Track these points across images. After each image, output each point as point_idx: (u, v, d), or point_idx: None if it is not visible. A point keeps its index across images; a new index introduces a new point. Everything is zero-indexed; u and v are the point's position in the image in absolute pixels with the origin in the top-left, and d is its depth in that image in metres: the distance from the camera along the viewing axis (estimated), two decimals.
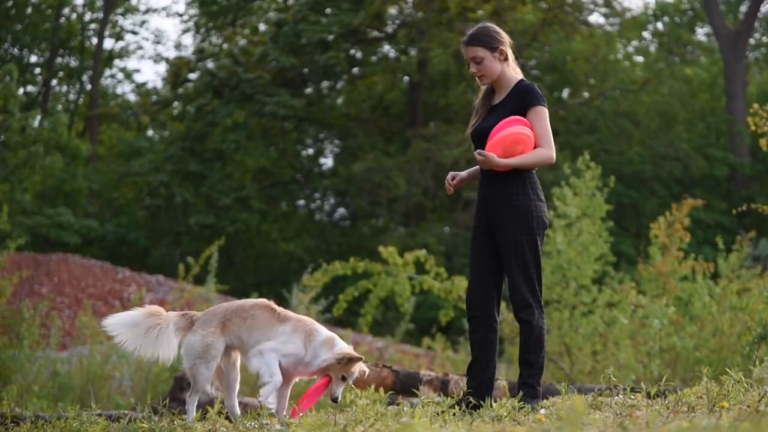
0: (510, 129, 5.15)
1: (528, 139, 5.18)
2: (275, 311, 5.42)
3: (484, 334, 5.33)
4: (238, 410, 5.43)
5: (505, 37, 5.45)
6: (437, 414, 4.80)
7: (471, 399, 5.17)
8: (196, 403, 5.36)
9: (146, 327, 5.47)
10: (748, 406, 4.49)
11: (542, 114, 5.23)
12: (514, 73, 5.41)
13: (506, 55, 5.39)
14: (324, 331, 5.43)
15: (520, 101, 5.26)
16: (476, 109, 5.49)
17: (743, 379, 5.05)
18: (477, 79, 5.45)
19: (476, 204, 5.44)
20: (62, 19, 30.21)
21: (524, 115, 5.24)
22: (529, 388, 5.22)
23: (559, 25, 26.61)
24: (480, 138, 5.32)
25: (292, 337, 5.33)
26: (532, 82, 5.40)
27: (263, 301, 5.49)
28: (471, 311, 5.34)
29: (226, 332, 5.32)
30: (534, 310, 5.27)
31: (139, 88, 33.31)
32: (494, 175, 5.27)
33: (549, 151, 5.23)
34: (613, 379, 5.17)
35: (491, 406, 4.96)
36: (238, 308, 5.42)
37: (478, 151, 5.17)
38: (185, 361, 5.32)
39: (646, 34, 32.38)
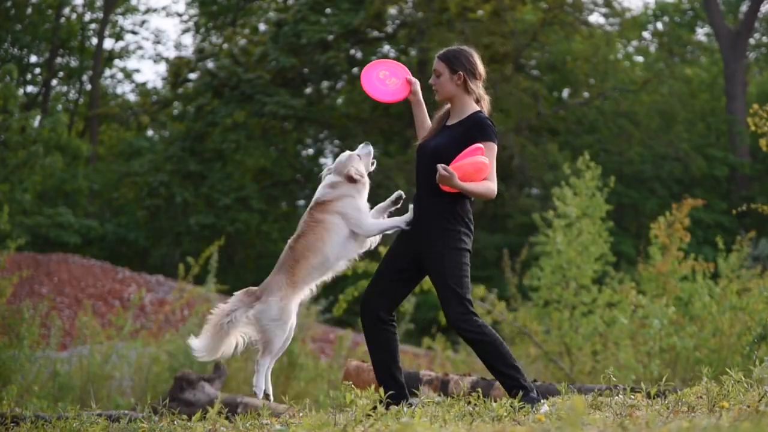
0: (476, 157, 5.25)
1: (486, 170, 5.29)
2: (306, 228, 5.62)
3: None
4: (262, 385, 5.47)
5: (474, 67, 5.49)
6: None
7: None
8: (267, 365, 5.42)
9: (218, 328, 5.43)
10: (748, 406, 4.49)
11: (493, 150, 5.32)
12: (472, 103, 5.45)
13: (464, 81, 5.42)
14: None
15: (473, 131, 5.32)
16: (432, 124, 5.59)
17: (743, 379, 5.05)
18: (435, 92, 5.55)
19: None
20: (62, 19, 30.21)
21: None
22: (521, 390, 5.21)
23: (559, 25, 26.61)
24: (424, 154, 5.45)
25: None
26: (487, 117, 5.42)
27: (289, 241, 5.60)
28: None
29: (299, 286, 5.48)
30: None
31: (139, 88, 33.32)
32: (435, 194, 5.35)
33: (494, 185, 5.36)
34: (613, 379, 5.18)
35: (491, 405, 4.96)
36: (287, 254, 5.55)
37: (443, 166, 5.20)
38: (258, 325, 5.37)
39: (646, 34, 32.39)
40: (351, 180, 5.56)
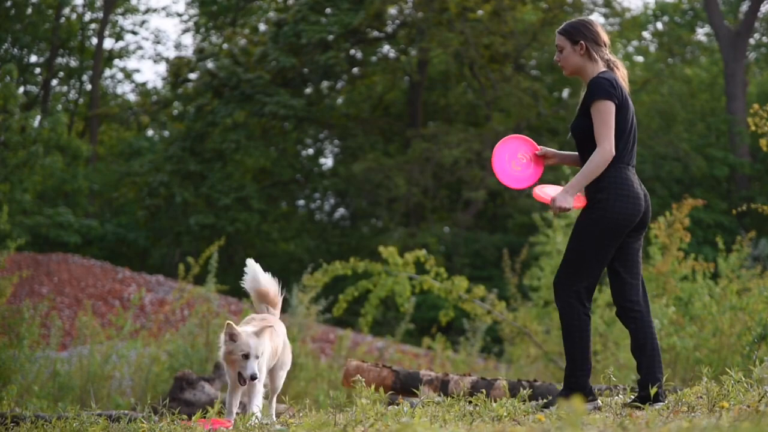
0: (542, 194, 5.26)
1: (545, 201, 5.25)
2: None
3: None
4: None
5: (595, 35, 5.37)
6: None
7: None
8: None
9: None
10: (748, 406, 4.50)
11: (599, 109, 5.13)
12: (599, 70, 5.32)
13: (587, 50, 5.32)
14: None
15: (586, 98, 5.22)
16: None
17: (743, 379, 5.05)
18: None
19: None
20: (62, 19, 30.21)
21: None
22: (564, 386, 5.19)
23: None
24: (573, 135, 5.35)
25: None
26: (607, 72, 5.28)
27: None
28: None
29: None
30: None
31: (139, 88, 33.33)
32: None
33: (601, 148, 5.10)
34: (613, 379, 5.17)
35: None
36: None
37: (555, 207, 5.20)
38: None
39: (646, 34, 32.39)
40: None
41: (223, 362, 5.39)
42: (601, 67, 5.31)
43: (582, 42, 5.33)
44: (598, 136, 5.10)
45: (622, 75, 5.35)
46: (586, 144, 5.22)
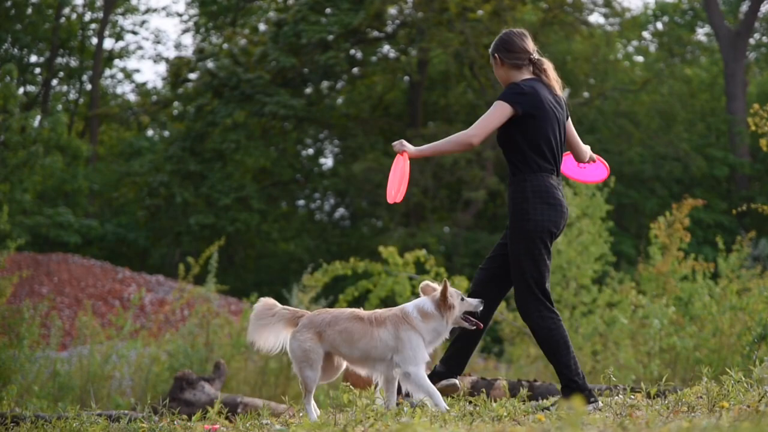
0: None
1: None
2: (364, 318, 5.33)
3: None
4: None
5: (506, 43, 5.49)
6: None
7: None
8: (311, 403, 5.27)
9: (260, 318, 5.46)
10: (748, 406, 4.50)
11: (493, 105, 5.33)
12: (521, 75, 5.46)
13: (501, 61, 5.48)
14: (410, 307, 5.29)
15: None
16: None
17: (743, 379, 5.05)
18: None
19: None
20: (62, 19, 30.21)
21: None
22: (564, 388, 5.28)
23: (559, 25, 26.62)
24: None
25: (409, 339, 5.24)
26: (530, 81, 5.42)
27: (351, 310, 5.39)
28: None
29: (322, 341, 5.29)
30: (531, 313, 5.30)
31: (139, 88, 33.33)
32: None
33: (465, 131, 5.29)
34: (613, 379, 5.18)
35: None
36: (335, 319, 5.32)
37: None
38: (293, 364, 5.33)
39: (646, 34, 32.39)
40: (445, 306, 5.27)
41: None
42: (526, 74, 5.45)
43: (495, 54, 5.49)
44: (475, 122, 5.29)
45: (550, 76, 5.47)
46: (503, 148, 5.39)
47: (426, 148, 5.39)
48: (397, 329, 5.20)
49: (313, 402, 5.26)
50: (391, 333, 5.19)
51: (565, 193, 5.48)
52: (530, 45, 5.49)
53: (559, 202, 5.29)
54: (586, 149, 5.76)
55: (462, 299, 5.28)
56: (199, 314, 11.87)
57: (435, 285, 5.37)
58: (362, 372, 5.37)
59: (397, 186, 5.41)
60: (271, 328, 5.40)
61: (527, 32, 5.55)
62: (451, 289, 5.22)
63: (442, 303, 5.20)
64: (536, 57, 5.47)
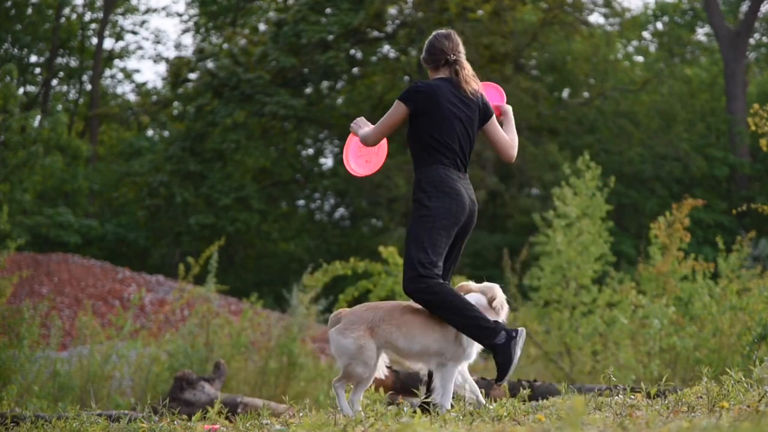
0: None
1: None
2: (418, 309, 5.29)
3: None
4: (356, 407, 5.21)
5: (428, 45, 5.81)
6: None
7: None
8: (360, 398, 5.18)
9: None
10: (748, 406, 4.50)
11: (393, 107, 5.66)
12: (436, 75, 5.76)
13: (424, 63, 5.85)
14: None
15: None
16: None
17: (743, 379, 5.05)
18: None
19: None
20: (62, 19, 30.22)
21: None
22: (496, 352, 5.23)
23: (559, 25, 26.62)
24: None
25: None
26: (432, 80, 5.69)
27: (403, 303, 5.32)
28: None
29: (376, 336, 5.16)
30: (416, 287, 5.33)
31: (139, 88, 33.33)
32: None
33: (367, 131, 5.75)
34: (613, 379, 5.18)
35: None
36: (390, 312, 5.23)
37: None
38: (339, 359, 5.17)
39: (646, 34, 32.40)
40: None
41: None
42: (442, 74, 5.68)
43: (421, 57, 5.86)
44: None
45: (461, 76, 5.60)
46: (408, 144, 5.69)
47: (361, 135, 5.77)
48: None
49: (346, 401, 5.14)
50: (450, 326, 5.18)
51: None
52: (449, 45, 5.65)
53: (455, 192, 5.39)
54: (512, 143, 5.75)
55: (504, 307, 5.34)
56: (199, 314, 11.87)
57: (472, 284, 5.43)
58: (415, 365, 5.30)
59: (346, 158, 5.99)
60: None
61: (452, 33, 5.72)
62: (501, 294, 5.30)
63: (490, 305, 5.26)
64: (453, 57, 5.62)
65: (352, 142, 6.03)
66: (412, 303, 5.30)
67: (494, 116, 5.70)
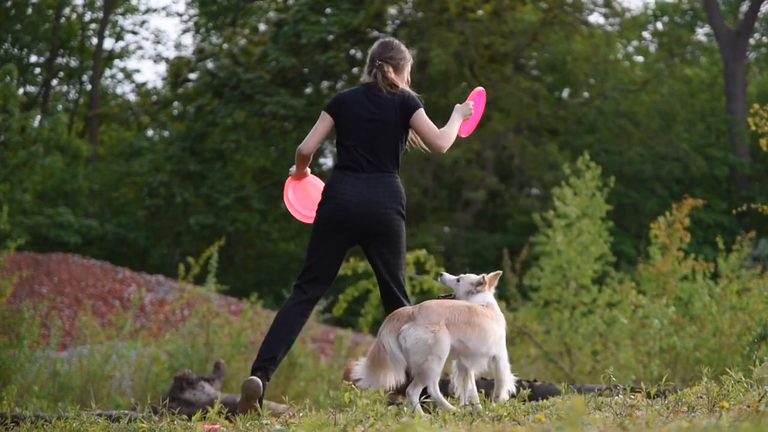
0: None
1: None
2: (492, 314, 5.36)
3: None
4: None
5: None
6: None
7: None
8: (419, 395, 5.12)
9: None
10: (748, 406, 4.49)
11: None
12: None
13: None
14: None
15: None
16: None
17: (743, 379, 5.05)
18: None
19: None
20: (62, 19, 30.21)
21: None
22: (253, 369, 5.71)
23: (559, 25, 26.62)
24: None
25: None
26: (352, 88, 6.01)
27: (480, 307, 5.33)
28: None
29: (451, 333, 5.12)
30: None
31: (139, 88, 33.32)
32: None
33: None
34: (613, 379, 5.17)
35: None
36: (463, 312, 5.21)
37: None
38: (414, 356, 5.05)
39: (646, 34, 32.39)
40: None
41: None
42: (368, 80, 5.90)
43: None
44: None
45: (379, 79, 5.80)
46: None
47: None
48: (501, 324, 5.38)
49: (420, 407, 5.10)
50: (501, 327, 5.35)
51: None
52: (378, 51, 5.86)
53: (335, 196, 5.68)
54: (439, 133, 5.80)
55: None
56: (199, 314, 11.87)
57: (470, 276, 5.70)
58: (472, 366, 5.30)
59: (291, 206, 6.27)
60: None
61: (388, 41, 5.91)
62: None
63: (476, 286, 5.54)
64: (378, 63, 5.80)
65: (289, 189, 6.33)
66: (475, 304, 5.35)
67: (419, 110, 5.77)
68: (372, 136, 5.72)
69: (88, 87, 31.26)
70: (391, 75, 5.77)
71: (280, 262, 27.39)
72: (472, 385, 5.37)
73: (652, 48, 32.22)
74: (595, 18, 41.33)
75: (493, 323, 5.27)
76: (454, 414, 4.90)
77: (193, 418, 5.34)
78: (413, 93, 5.86)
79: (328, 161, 30.29)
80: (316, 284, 5.70)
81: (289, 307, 5.66)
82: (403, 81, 5.90)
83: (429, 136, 5.77)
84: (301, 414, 5.70)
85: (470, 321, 5.17)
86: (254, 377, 5.48)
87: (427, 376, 5.06)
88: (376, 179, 5.66)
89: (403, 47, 5.93)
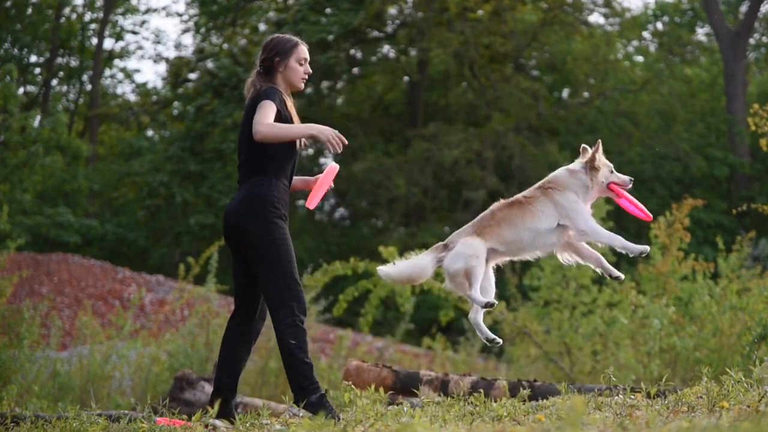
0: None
1: None
2: (513, 202, 5.52)
3: None
4: (481, 299, 5.42)
5: None
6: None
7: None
8: (477, 292, 5.38)
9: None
10: (748, 406, 4.49)
11: None
12: None
13: None
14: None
15: None
16: (296, 119, 5.56)
17: (743, 379, 5.05)
18: (303, 81, 5.77)
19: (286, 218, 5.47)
20: (62, 19, 30.21)
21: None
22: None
23: (559, 25, 26.61)
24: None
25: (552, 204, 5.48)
26: None
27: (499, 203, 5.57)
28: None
29: (485, 237, 5.42)
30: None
31: (139, 88, 33.33)
32: None
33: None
34: (613, 379, 5.18)
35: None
36: (486, 216, 5.50)
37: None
38: (456, 264, 5.36)
39: (646, 34, 32.39)
40: (592, 166, 5.55)
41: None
42: None
43: None
44: None
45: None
46: None
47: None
48: (551, 197, 5.44)
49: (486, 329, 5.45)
50: (548, 202, 5.41)
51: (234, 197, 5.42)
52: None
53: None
54: (255, 120, 5.35)
55: (611, 171, 5.62)
56: (199, 314, 11.87)
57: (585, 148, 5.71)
58: (531, 255, 5.52)
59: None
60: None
61: (265, 41, 5.76)
62: (599, 155, 5.54)
63: (591, 163, 5.52)
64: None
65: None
66: (501, 203, 5.55)
67: (262, 102, 5.33)
68: (240, 146, 5.51)
69: (88, 87, 31.26)
70: (249, 80, 5.56)
71: None
72: (480, 320, 5.57)
73: (652, 48, 32.21)
74: (595, 18, 41.31)
75: (528, 206, 5.46)
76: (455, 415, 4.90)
77: (193, 418, 5.34)
78: (270, 87, 5.45)
79: (328, 161, 30.30)
80: (239, 305, 5.46)
81: (228, 329, 5.48)
82: (273, 79, 5.57)
83: (254, 123, 5.29)
84: (301, 414, 5.70)
85: (499, 218, 5.46)
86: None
87: (475, 277, 5.34)
88: (238, 189, 5.48)
89: (271, 43, 5.70)
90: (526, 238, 5.43)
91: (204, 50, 27.76)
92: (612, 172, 5.62)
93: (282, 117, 5.36)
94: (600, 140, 5.64)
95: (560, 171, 5.59)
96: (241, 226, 5.30)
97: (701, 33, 32.18)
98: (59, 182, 25.43)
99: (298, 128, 5.34)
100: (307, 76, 5.75)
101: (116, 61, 32.98)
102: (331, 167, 5.69)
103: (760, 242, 20.05)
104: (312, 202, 5.46)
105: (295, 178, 5.66)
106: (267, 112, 5.26)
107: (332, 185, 5.61)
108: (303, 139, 5.43)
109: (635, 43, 32.31)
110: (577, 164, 5.60)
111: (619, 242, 5.46)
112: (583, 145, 5.72)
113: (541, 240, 5.46)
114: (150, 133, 31.80)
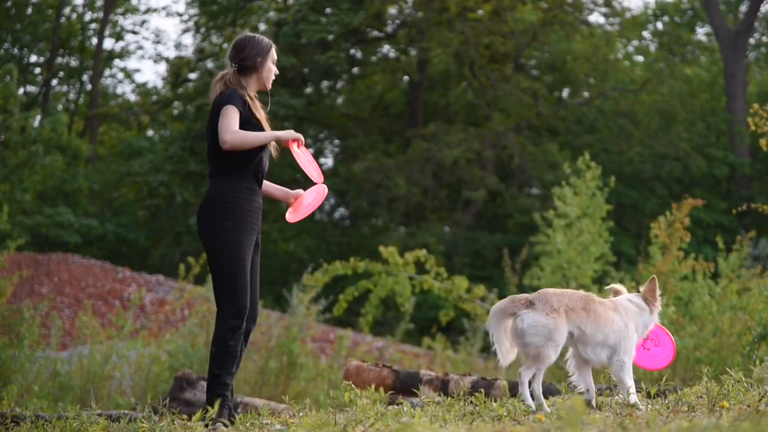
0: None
1: None
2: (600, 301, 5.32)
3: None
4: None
5: None
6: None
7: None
8: (534, 385, 5.14)
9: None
10: (748, 406, 4.49)
11: None
12: None
13: None
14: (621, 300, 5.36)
15: None
16: (261, 119, 5.71)
17: (743, 379, 5.05)
18: (270, 81, 5.93)
19: (252, 218, 5.49)
20: (62, 19, 30.21)
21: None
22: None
23: (559, 25, 26.61)
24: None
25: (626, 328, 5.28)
26: None
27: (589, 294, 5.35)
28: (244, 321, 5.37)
29: (569, 320, 5.14)
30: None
31: (139, 88, 33.33)
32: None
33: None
34: (614, 378, 5.17)
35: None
36: (580, 299, 5.22)
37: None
38: (530, 338, 5.05)
39: (646, 34, 32.39)
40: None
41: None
42: None
43: None
44: None
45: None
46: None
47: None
48: (626, 318, 5.26)
49: (528, 390, 5.09)
50: (623, 320, 5.24)
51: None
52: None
53: None
54: (235, 132, 5.51)
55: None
56: (199, 314, 11.87)
57: (621, 287, 5.48)
58: (588, 356, 5.32)
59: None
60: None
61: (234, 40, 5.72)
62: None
63: (651, 297, 5.31)
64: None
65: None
66: (592, 294, 5.35)
67: (224, 107, 5.47)
68: (208, 149, 5.53)
69: (88, 87, 31.26)
70: (218, 77, 5.60)
71: (280, 262, 27.38)
72: (590, 380, 5.41)
73: (652, 48, 32.21)
74: (595, 18, 41.33)
75: (612, 313, 5.23)
76: (455, 413, 4.90)
77: (193, 418, 5.34)
78: (232, 90, 5.53)
79: (328, 161, 30.32)
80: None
81: None
82: (247, 78, 5.71)
83: (219, 131, 5.43)
84: (301, 414, 5.70)
85: (589, 309, 5.17)
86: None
87: (542, 362, 5.09)
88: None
89: (251, 42, 5.73)
90: (598, 340, 5.25)
91: (204, 50, 27.76)
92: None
93: (243, 117, 5.48)
94: (655, 277, 5.43)
95: (631, 305, 5.36)
96: (198, 226, 5.46)
97: (701, 33, 32.19)
98: (59, 182, 25.42)
99: (263, 135, 5.52)
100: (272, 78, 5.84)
101: (116, 61, 32.99)
102: (322, 191, 5.74)
103: (760, 242, 20.05)
104: (294, 218, 5.55)
105: (275, 187, 5.77)
106: (231, 117, 5.38)
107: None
108: (273, 144, 5.51)
109: (635, 42, 32.31)
110: (640, 300, 5.37)
111: (629, 389, 5.27)
112: (612, 286, 5.58)
113: (600, 349, 5.29)
114: (150, 133, 31.81)
